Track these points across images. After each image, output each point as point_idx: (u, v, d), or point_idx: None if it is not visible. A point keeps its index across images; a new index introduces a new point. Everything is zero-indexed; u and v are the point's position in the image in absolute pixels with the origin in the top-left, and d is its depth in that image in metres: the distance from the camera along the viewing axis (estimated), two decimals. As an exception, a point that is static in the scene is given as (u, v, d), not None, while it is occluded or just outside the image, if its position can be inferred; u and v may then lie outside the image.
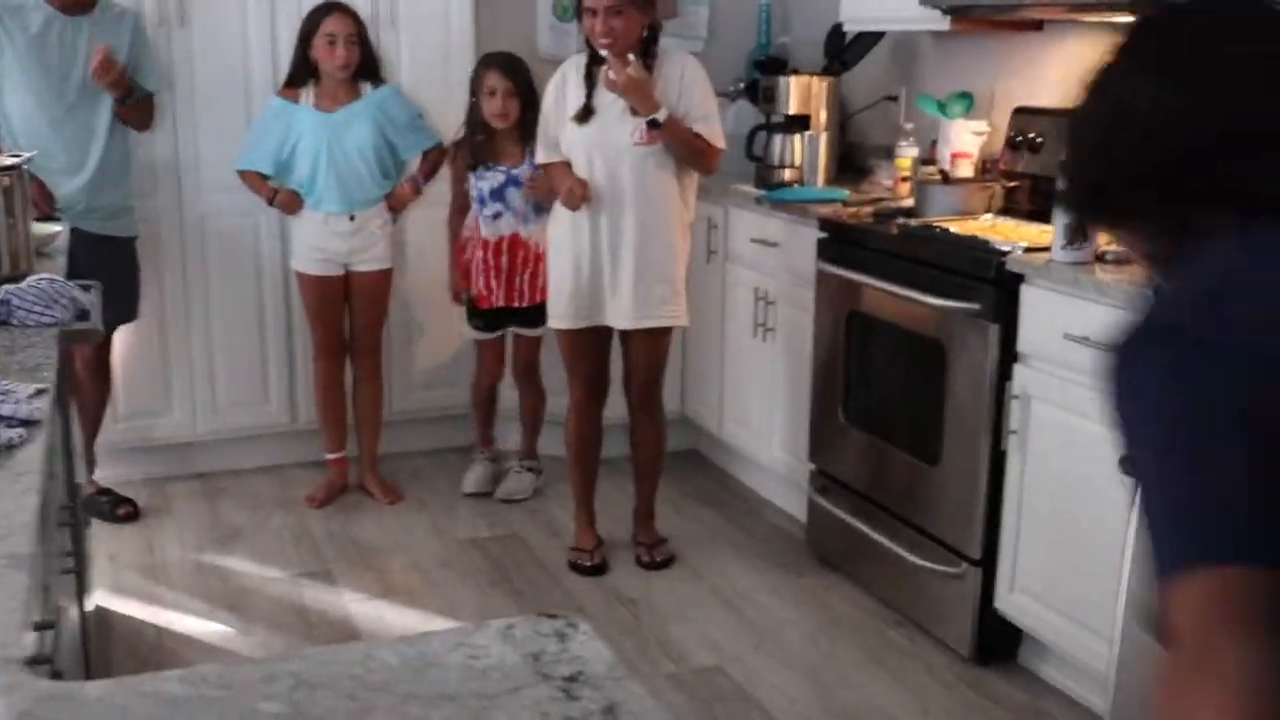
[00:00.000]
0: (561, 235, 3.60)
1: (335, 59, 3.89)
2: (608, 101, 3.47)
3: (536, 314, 4.00)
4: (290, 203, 4.01)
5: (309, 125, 3.96)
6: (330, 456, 4.26)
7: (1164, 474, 1.12)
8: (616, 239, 3.50)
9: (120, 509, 4.06)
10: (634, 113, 3.43)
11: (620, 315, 3.56)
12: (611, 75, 3.37)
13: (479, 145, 4.00)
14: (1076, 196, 1.33)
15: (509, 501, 4.22)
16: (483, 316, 4.17)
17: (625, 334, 3.64)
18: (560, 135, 3.56)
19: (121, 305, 3.92)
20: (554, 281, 3.65)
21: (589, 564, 3.75)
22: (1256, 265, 1.15)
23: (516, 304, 4.09)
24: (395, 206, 4.12)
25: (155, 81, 3.91)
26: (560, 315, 3.64)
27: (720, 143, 3.57)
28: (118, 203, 3.87)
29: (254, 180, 4.03)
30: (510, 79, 3.96)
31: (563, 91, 3.56)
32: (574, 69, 3.56)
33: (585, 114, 3.49)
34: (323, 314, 4.14)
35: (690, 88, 3.50)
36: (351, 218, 4.02)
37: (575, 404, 3.76)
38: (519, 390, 4.32)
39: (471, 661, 1.01)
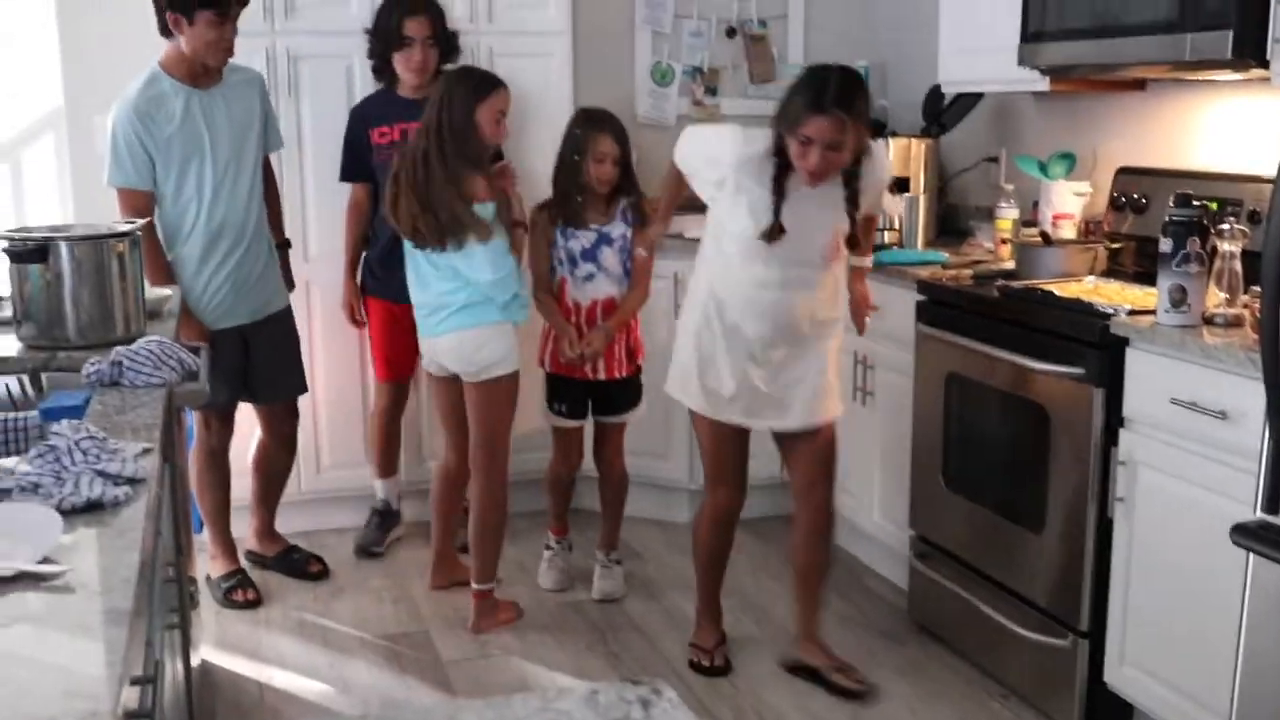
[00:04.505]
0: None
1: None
2: (796, 216, 3.13)
3: (623, 394, 3.94)
4: None
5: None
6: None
7: None
8: (790, 347, 3.25)
9: (311, 565, 4.15)
10: (817, 225, 3.17)
11: (785, 418, 3.31)
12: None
13: (576, 206, 3.82)
14: None
15: (607, 601, 3.97)
16: (565, 400, 3.94)
17: (785, 435, 3.38)
18: (724, 229, 3.24)
19: (294, 378, 4.05)
20: (703, 373, 3.31)
21: (708, 664, 3.50)
22: None
23: (617, 374, 3.89)
24: None
25: (279, 140, 3.98)
26: (712, 407, 3.33)
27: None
28: (268, 268, 3.89)
29: None
30: (622, 145, 3.82)
31: (729, 172, 3.18)
32: (754, 160, 3.14)
33: (774, 234, 3.13)
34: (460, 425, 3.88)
35: (877, 184, 3.33)
36: None
37: (713, 508, 3.47)
38: (601, 476, 4.08)
39: (555, 726, 1.01)
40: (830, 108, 2.98)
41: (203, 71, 3.65)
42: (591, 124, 3.84)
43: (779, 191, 3.11)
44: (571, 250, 3.83)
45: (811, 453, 3.37)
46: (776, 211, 3.11)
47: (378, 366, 4.35)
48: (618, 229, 3.84)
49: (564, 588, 4.04)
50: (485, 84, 3.68)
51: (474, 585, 3.77)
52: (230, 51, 3.66)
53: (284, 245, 4.08)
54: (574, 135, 3.85)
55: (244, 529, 4.16)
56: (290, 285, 4.12)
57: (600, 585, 4.00)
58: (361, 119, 4.18)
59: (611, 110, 4.06)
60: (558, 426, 3.99)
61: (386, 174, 4.08)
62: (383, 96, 4.22)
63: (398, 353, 4.26)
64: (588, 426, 4.04)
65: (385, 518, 4.43)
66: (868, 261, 3.51)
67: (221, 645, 3.67)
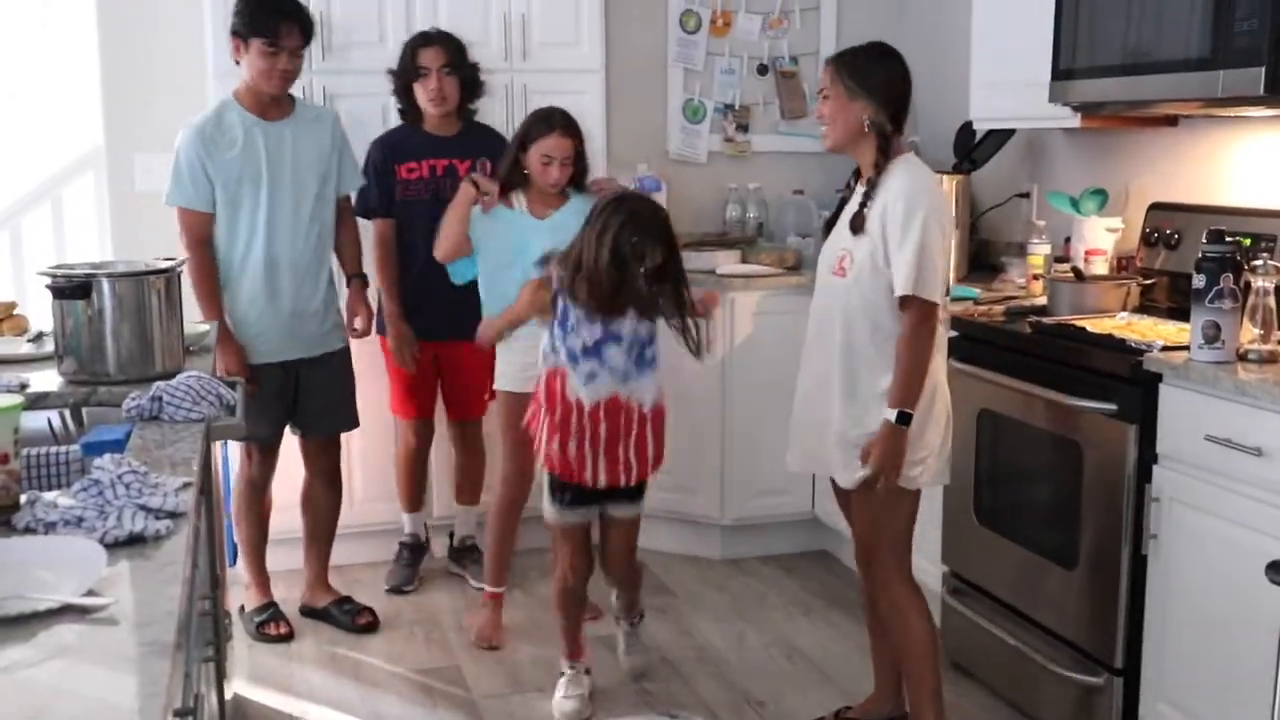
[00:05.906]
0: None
1: (549, 178, 3.68)
2: (846, 218, 2.98)
3: (630, 490, 3.38)
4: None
5: (528, 232, 3.67)
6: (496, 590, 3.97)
7: None
8: (822, 379, 2.99)
9: (360, 618, 4.05)
10: (849, 232, 2.91)
11: (829, 463, 3.05)
12: None
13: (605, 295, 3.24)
14: None
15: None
16: (568, 490, 3.34)
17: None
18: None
19: (342, 415, 4.03)
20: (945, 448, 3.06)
21: None
22: None
23: (623, 483, 3.32)
24: None
25: (355, 180, 3.98)
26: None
27: (914, 290, 2.77)
28: (327, 307, 3.88)
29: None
30: (670, 250, 3.24)
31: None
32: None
33: (826, 227, 3.11)
34: (523, 436, 3.52)
35: (889, 226, 2.82)
36: None
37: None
38: (618, 588, 3.65)
39: (592, 759, 1.01)
40: (829, 60, 2.98)
41: (270, 103, 3.71)
42: (641, 229, 3.16)
43: (849, 185, 3.06)
44: (572, 347, 3.23)
45: (853, 518, 3.11)
46: (838, 207, 3.06)
47: (398, 405, 4.33)
48: (627, 325, 3.23)
49: (585, 718, 3.42)
50: (537, 125, 3.73)
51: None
52: (286, 83, 3.71)
53: (358, 277, 4.04)
54: (625, 239, 3.14)
55: (277, 563, 4.15)
56: (370, 315, 4.09)
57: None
58: (389, 151, 4.13)
59: (644, 146, 4.02)
60: (560, 525, 3.41)
61: (414, 210, 4.09)
62: (407, 131, 4.19)
63: (420, 390, 4.28)
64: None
65: (415, 552, 4.43)
66: (889, 411, 2.83)
67: (254, 678, 3.68)
